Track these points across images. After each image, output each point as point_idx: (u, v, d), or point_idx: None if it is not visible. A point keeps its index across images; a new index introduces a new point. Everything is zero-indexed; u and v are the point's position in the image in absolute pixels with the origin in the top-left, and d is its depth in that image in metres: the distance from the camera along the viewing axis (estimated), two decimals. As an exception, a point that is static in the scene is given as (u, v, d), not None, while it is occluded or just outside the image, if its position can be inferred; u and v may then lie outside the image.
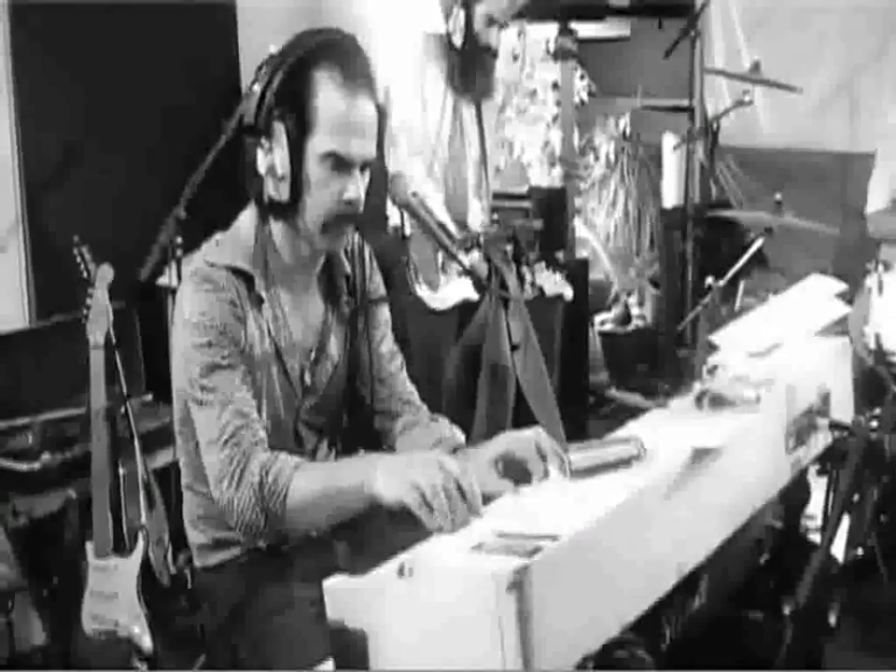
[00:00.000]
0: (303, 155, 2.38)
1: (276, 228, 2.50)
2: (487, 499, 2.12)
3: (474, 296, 4.39)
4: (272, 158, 2.40)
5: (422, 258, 4.22)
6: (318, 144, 2.37)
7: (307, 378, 2.58)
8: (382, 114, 2.49)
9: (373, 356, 2.67)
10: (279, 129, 2.37)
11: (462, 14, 4.42)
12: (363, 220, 2.53)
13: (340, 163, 2.38)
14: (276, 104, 2.38)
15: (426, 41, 4.50)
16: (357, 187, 2.41)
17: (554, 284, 4.50)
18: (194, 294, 2.41)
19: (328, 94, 2.36)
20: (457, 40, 4.44)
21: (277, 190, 2.42)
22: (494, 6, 4.45)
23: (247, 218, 2.52)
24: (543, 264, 4.51)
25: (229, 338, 2.39)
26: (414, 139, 4.38)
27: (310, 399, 2.60)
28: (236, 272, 2.44)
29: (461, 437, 2.65)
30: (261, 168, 2.42)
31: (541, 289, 4.47)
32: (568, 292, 4.56)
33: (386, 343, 2.74)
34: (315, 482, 2.28)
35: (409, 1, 5.25)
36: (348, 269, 2.66)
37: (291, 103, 2.37)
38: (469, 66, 4.49)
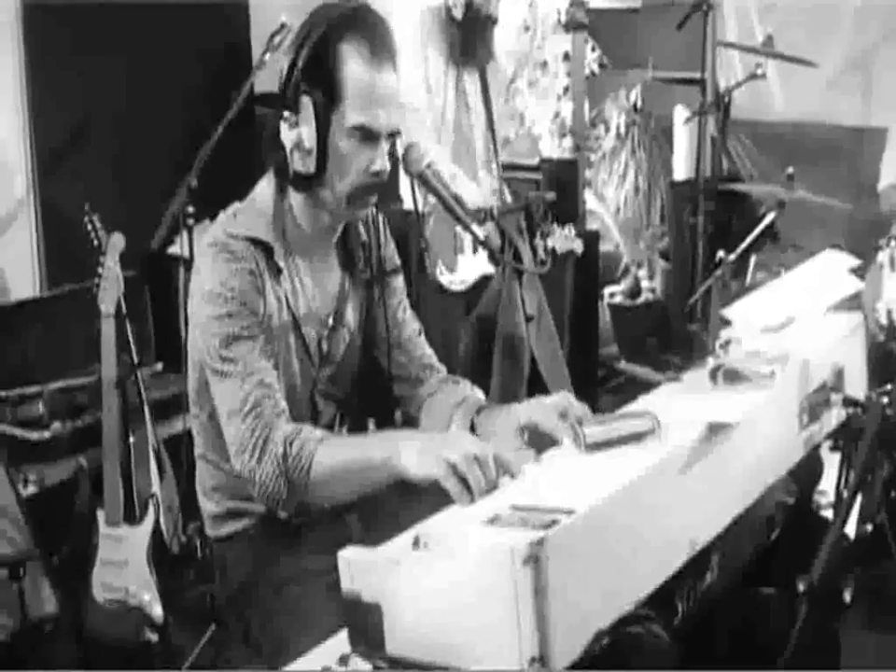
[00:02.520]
0: (331, 128, 2.37)
1: (296, 199, 2.50)
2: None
3: (491, 270, 4.39)
4: (298, 131, 2.39)
5: (438, 238, 4.23)
6: (346, 117, 2.37)
7: (324, 346, 2.58)
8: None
9: (390, 322, 2.67)
10: (306, 103, 2.37)
11: None
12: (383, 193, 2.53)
13: (367, 135, 2.38)
14: (303, 78, 2.38)
15: (425, 17, 4.49)
16: (383, 158, 2.42)
17: (565, 240, 4.49)
18: (213, 264, 2.41)
19: (354, 67, 2.36)
20: (458, 13, 4.42)
21: (303, 163, 2.42)
22: None
23: (265, 189, 2.52)
24: (554, 224, 4.50)
25: (248, 309, 2.39)
26: (422, 122, 4.38)
27: (327, 368, 2.61)
28: (255, 242, 2.44)
29: (483, 397, 2.64)
30: (287, 142, 2.42)
31: (553, 249, 4.47)
32: (579, 247, 4.55)
33: (403, 310, 2.74)
34: (339, 454, 2.28)
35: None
36: (364, 237, 2.67)
37: (318, 76, 2.37)
38: (469, 37, 4.49)
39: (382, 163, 2.42)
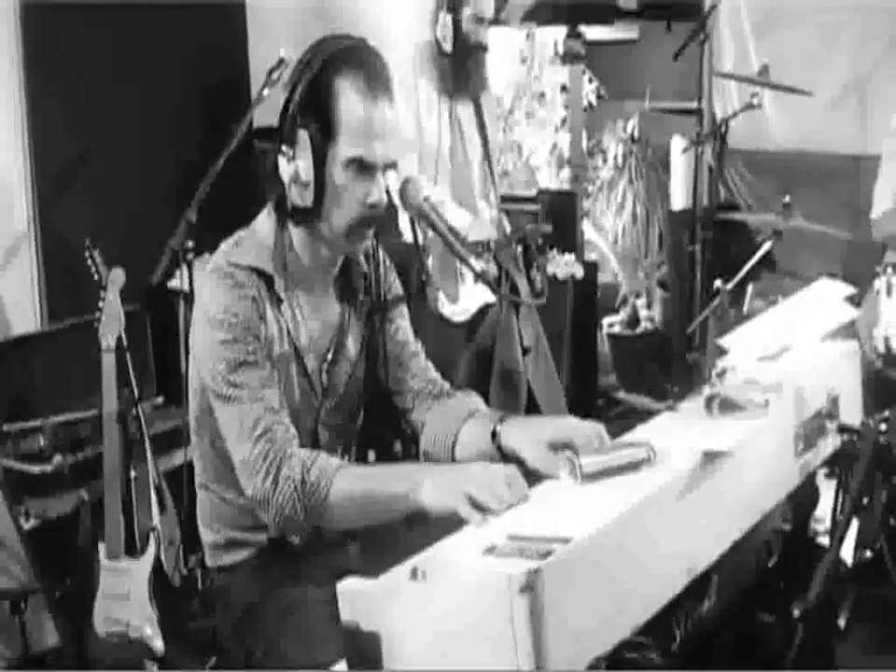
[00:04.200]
0: (327, 161, 2.40)
1: (296, 232, 2.52)
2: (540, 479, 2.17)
3: (493, 298, 4.40)
4: (295, 165, 2.41)
5: (440, 269, 4.25)
6: (342, 150, 2.39)
7: (324, 379, 2.59)
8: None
9: (389, 342, 2.68)
10: (303, 137, 2.39)
11: (449, 18, 4.43)
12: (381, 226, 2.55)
13: (364, 168, 2.40)
14: (299, 111, 2.40)
15: (416, 52, 4.52)
16: (380, 190, 2.44)
17: (565, 266, 4.50)
18: (216, 290, 2.43)
19: (350, 100, 2.38)
20: (447, 46, 4.45)
21: (301, 197, 2.44)
22: (481, 5, 4.46)
23: (266, 220, 2.54)
24: (554, 251, 4.51)
25: (252, 334, 2.41)
26: (413, 156, 4.40)
27: (329, 400, 2.62)
28: (257, 272, 2.46)
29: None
30: (284, 175, 2.44)
31: (554, 276, 4.48)
32: (579, 271, 4.56)
33: (403, 332, 2.74)
34: (358, 484, 2.30)
35: (399, 11, 5.28)
36: (365, 268, 2.68)
37: (314, 111, 2.39)
38: (461, 67, 4.51)
39: (378, 195, 2.44)
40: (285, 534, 2.47)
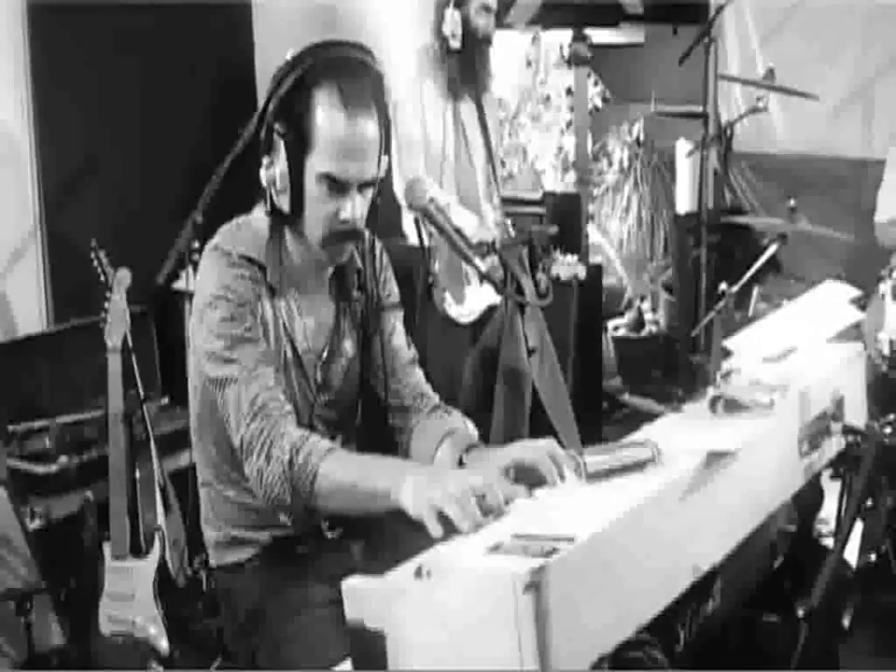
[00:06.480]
0: (302, 171, 2.38)
1: (287, 231, 2.51)
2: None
3: (497, 300, 4.41)
4: (273, 171, 2.41)
5: (447, 271, 4.26)
6: (315, 164, 2.37)
7: (318, 375, 2.59)
8: (388, 126, 2.48)
9: (385, 352, 2.66)
10: (278, 144, 2.38)
11: (458, 14, 4.43)
12: (377, 233, 2.53)
13: (335, 185, 2.38)
14: (276, 119, 2.38)
15: (420, 53, 4.53)
16: (353, 206, 2.41)
17: (568, 266, 4.51)
18: (215, 266, 2.43)
19: (326, 115, 2.35)
20: (455, 43, 4.44)
21: (280, 202, 2.43)
22: None
23: (261, 216, 2.52)
24: (558, 253, 4.52)
25: (249, 311, 2.41)
26: (420, 159, 4.41)
27: (325, 394, 2.61)
28: (251, 260, 2.46)
29: (473, 431, 2.63)
30: (263, 180, 2.43)
31: (557, 277, 4.49)
32: (581, 272, 4.57)
33: (397, 338, 2.72)
34: (344, 474, 2.27)
35: (404, 13, 5.29)
36: (359, 263, 2.66)
37: (291, 119, 2.37)
38: (469, 64, 4.51)
39: (350, 211, 2.41)
40: (276, 512, 2.48)
